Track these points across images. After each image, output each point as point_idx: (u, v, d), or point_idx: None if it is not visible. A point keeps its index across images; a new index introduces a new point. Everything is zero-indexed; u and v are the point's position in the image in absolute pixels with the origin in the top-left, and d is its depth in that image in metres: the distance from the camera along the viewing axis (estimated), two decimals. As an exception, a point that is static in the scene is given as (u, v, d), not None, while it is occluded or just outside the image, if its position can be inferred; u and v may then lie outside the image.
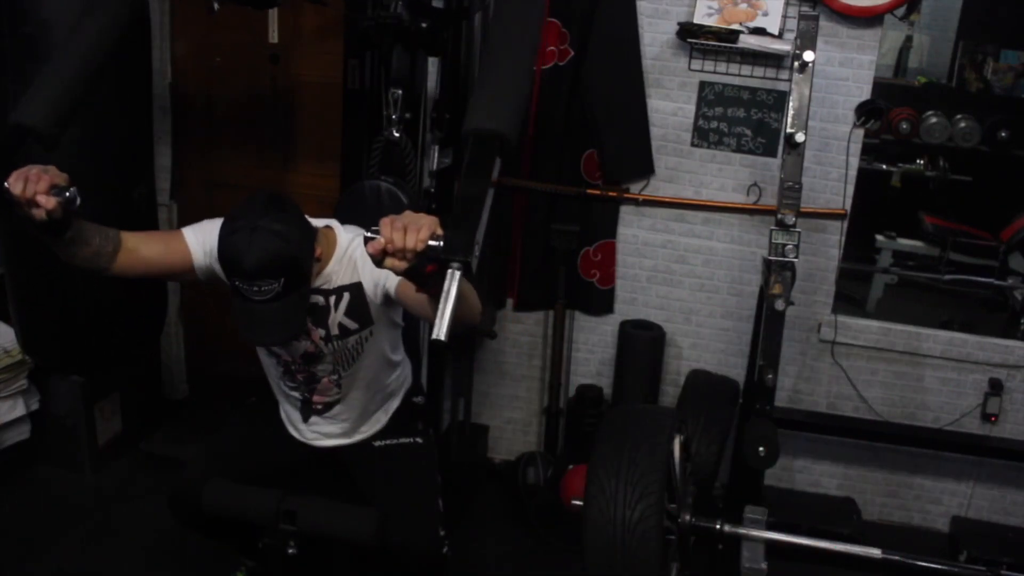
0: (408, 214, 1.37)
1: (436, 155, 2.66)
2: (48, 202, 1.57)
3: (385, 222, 1.35)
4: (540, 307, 3.28)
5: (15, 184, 1.56)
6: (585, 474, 2.07)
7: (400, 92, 2.37)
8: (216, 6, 2.10)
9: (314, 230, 1.87)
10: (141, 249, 1.88)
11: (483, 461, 3.42)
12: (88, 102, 1.81)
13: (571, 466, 2.99)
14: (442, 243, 1.33)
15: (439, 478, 2.17)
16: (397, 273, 1.37)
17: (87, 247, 1.78)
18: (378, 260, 1.36)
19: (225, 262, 1.76)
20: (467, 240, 1.32)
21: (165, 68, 3.33)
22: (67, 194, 1.59)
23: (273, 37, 3.22)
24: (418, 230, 1.33)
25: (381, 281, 1.89)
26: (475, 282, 1.39)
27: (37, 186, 1.56)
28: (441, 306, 1.27)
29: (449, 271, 1.30)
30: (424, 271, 1.37)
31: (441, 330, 1.27)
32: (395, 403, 2.21)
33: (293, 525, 1.97)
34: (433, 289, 1.36)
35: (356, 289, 1.95)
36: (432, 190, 2.67)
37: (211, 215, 1.97)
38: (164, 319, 2.92)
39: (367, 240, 1.36)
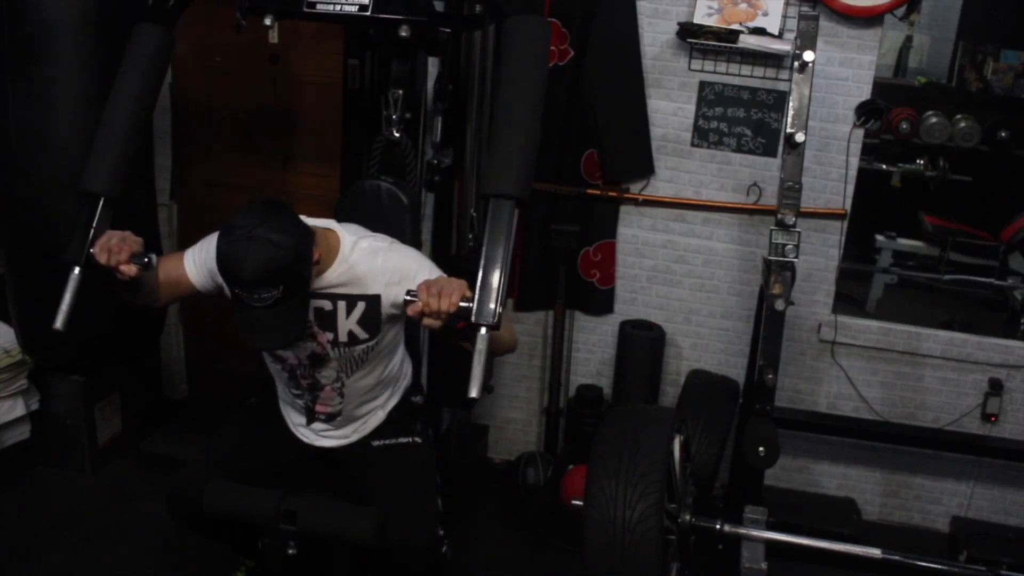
0: (442, 279, 1.70)
1: (439, 127, 2.67)
2: (130, 270, 1.78)
3: (421, 288, 1.65)
4: (540, 307, 3.28)
5: (100, 255, 1.78)
6: (585, 474, 2.07)
7: (400, 92, 2.36)
8: (243, 24, 2.14)
9: (312, 234, 1.86)
10: (163, 278, 2.00)
11: (483, 461, 3.42)
12: (140, 156, 2.07)
13: (571, 466, 2.99)
14: (471, 304, 1.62)
15: (438, 478, 2.17)
16: (432, 330, 1.68)
17: (146, 288, 1.94)
18: (416, 320, 1.68)
19: (224, 272, 1.77)
20: (493, 306, 1.61)
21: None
22: (145, 260, 1.80)
23: (273, 37, 3.22)
24: (450, 295, 1.63)
25: (400, 300, 1.90)
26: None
27: (120, 256, 1.77)
28: (473, 367, 1.55)
29: (479, 334, 1.59)
30: (456, 328, 1.66)
31: (474, 389, 1.55)
32: (394, 400, 2.21)
33: (293, 525, 1.97)
34: (464, 340, 1.66)
35: (373, 301, 1.96)
36: (436, 178, 2.67)
37: (211, 215, 1.98)
38: (164, 319, 2.92)
39: (407, 303, 1.67)
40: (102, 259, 1.78)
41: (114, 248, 1.77)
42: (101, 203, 1.90)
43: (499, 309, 1.61)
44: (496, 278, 1.64)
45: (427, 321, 1.64)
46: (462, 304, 1.62)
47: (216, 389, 3.58)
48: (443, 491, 2.15)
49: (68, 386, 3.04)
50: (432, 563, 2.03)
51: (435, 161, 2.67)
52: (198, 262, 1.99)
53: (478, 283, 1.64)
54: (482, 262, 1.66)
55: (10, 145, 2.39)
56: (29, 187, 2.41)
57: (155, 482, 3.02)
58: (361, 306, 1.96)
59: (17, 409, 2.95)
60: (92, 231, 1.86)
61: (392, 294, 1.92)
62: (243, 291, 1.73)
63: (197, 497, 2.00)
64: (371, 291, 1.95)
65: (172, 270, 2.01)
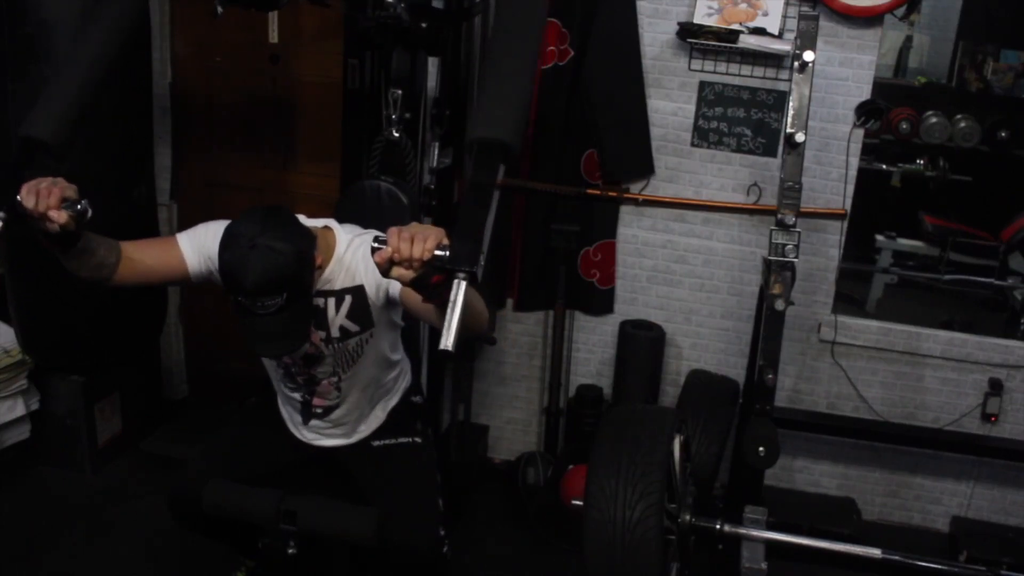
0: (415, 225, 1.40)
1: (436, 153, 2.66)
2: (60, 216, 1.58)
3: (392, 232, 1.38)
4: (540, 307, 3.28)
5: (27, 198, 1.58)
6: (585, 474, 2.07)
7: (400, 92, 2.36)
8: (220, 9, 2.09)
9: (314, 239, 1.86)
10: (137, 258, 1.88)
11: (483, 461, 3.42)
12: (94, 111, 1.82)
13: (571, 466, 2.99)
14: (448, 253, 1.35)
15: (438, 478, 2.17)
16: (403, 283, 1.40)
17: (92, 257, 1.79)
18: (385, 269, 1.39)
19: (227, 281, 1.75)
20: (473, 250, 1.35)
21: (165, 68, 3.33)
22: (78, 207, 1.61)
23: (273, 37, 3.22)
24: (424, 240, 1.36)
25: (384, 284, 1.89)
26: (479, 288, 1.41)
27: (49, 200, 1.57)
28: (448, 316, 1.30)
29: (455, 281, 1.33)
30: (430, 281, 1.40)
31: (448, 340, 1.30)
32: (393, 401, 2.21)
33: (293, 525, 1.97)
34: (439, 298, 1.39)
35: (358, 292, 1.95)
36: (432, 186, 2.67)
37: (211, 215, 1.96)
38: (164, 319, 2.92)
39: (374, 250, 1.39)
40: (29, 203, 1.57)
41: (43, 191, 1.58)
42: (40, 152, 1.72)
43: (481, 258, 1.35)
44: (478, 225, 1.39)
45: (397, 271, 1.38)
46: (437, 253, 1.35)
47: (216, 389, 3.58)
48: (443, 491, 2.15)
49: (68, 386, 3.04)
50: (433, 563, 2.03)
51: (431, 186, 2.66)
52: (195, 246, 1.93)
53: (457, 228, 1.39)
54: (462, 209, 1.45)
55: (10, 145, 2.39)
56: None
57: (155, 482, 3.02)
58: (348, 299, 1.95)
59: (17, 409, 2.95)
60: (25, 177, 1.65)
61: (374, 279, 1.88)
62: (247, 299, 1.73)
63: (197, 497, 2.00)
64: (355, 283, 1.94)
65: (161, 251, 1.93)
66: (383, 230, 2.05)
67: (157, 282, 2.02)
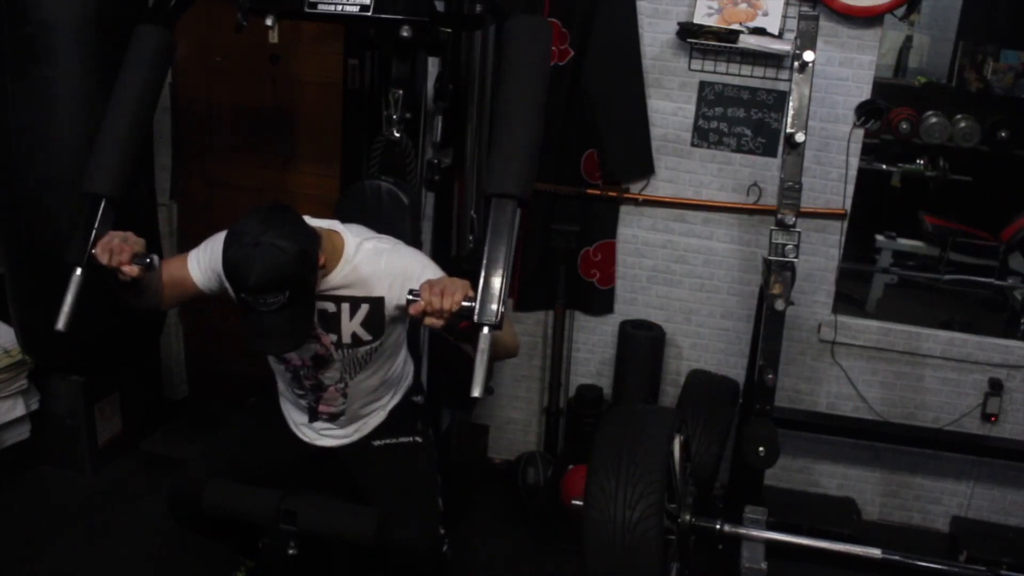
0: (444, 279, 1.68)
1: (439, 127, 2.66)
2: (132, 271, 1.78)
3: (424, 287, 1.63)
4: (540, 307, 3.28)
5: (102, 255, 1.78)
6: (585, 474, 2.07)
7: (400, 92, 2.36)
8: (244, 24, 2.14)
9: (318, 238, 1.86)
10: (164, 282, 2.00)
11: (483, 461, 3.42)
12: (143, 155, 2.07)
13: (571, 466, 2.99)
14: (474, 304, 1.60)
15: (438, 477, 2.17)
16: (434, 329, 1.65)
17: (149, 290, 1.94)
18: (418, 319, 1.65)
19: (230, 278, 1.77)
20: (496, 305, 1.60)
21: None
22: (147, 261, 1.80)
23: (273, 37, 3.21)
24: (453, 294, 1.61)
25: (403, 301, 1.90)
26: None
27: (121, 257, 1.77)
28: (476, 366, 1.54)
29: (482, 334, 1.58)
30: (459, 327, 1.65)
31: (477, 388, 1.54)
32: (396, 400, 2.21)
33: (293, 525, 1.97)
34: (467, 341, 1.64)
35: (377, 303, 1.96)
36: (436, 161, 2.68)
37: (211, 215, 1.98)
38: (164, 319, 2.92)
39: (409, 302, 1.64)
40: (104, 259, 1.78)
41: (116, 248, 1.77)
42: (103, 204, 1.89)
43: (501, 308, 1.60)
44: (499, 278, 1.63)
45: (429, 320, 1.62)
46: (464, 304, 1.61)
47: (216, 389, 3.58)
48: (443, 490, 2.15)
49: (68, 386, 3.04)
50: (432, 562, 2.03)
51: (435, 160, 2.67)
52: (202, 264, 2.00)
53: (480, 283, 1.63)
54: (484, 261, 1.65)
55: (10, 145, 2.39)
56: (29, 187, 2.41)
57: (155, 482, 3.02)
58: (365, 308, 1.96)
59: (17, 409, 2.95)
60: (94, 232, 1.86)
61: (396, 295, 1.92)
62: (249, 297, 1.74)
63: (197, 497, 2.00)
64: (375, 293, 1.95)
65: (176, 272, 2.01)
66: (383, 231, 2.08)
67: (185, 299, 2.12)
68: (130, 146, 1.95)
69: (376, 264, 1.94)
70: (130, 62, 1.99)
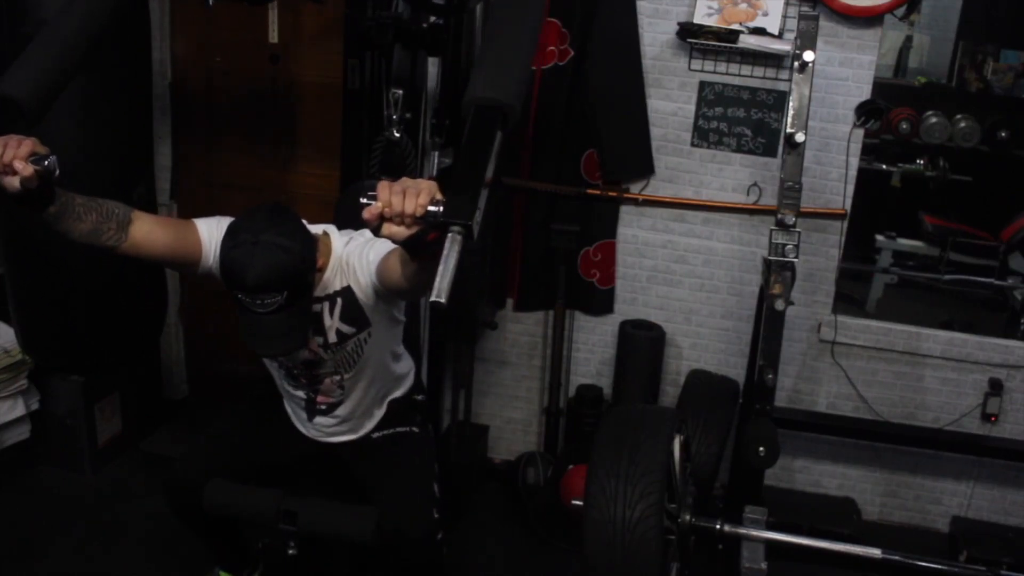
0: (406, 179, 1.32)
1: (436, 160, 2.66)
2: (25, 168, 1.51)
3: (383, 186, 1.30)
4: (540, 307, 3.28)
5: None
6: (585, 474, 2.07)
7: (400, 92, 2.36)
8: (211, 2, 2.07)
9: (316, 240, 1.86)
10: (154, 232, 1.82)
11: (483, 461, 3.42)
12: (70, 80, 1.76)
13: (571, 466, 2.99)
14: (442, 208, 1.27)
15: (436, 466, 2.17)
16: (395, 241, 1.33)
17: (81, 223, 1.72)
18: (375, 227, 1.31)
19: (227, 276, 1.75)
20: (469, 204, 1.25)
21: (165, 68, 3.33)
22: (45, 163, 1.55)
23: (273, 37, 3.21)
24: (417, 194, 1.28)
25: (366, 274, 1.87)
26: (478, 269, 1.36)
27: (17, 151, 1.52)
28: (440, 267, 1.21)
29: (450, 235, 1.24)
30: (426, 239, 1.32)
31: (441, 291, 1.20)
32: (396, 395, 2.22)
33: (293, 525, 1.98)
34: (431, 257, 1.29)
35: (347, 293, 1.94)
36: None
37: (211, 215, 1.96)
38: (164, 319, 2.92)
39: (363, 205, 1.30)
40: None
41: (10, 143, 1.52)
42: (11, 111, 1.63)
43: (478, 214, 1.26)
44: (473, 180, 1.29)
45: (387, 228, 1.29)
46: (431, 208, 1.27)
47: (216, 389, 3.58)
48: (440, 479, 2.15)
49: (68, 386, 3.04)
50: (427, 547, 2.02)
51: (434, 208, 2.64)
52: (212, 235, 1.88)
53: (452, 181, 1.30)
54: (457, 165, 1.37)
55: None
56: (29, 187, 2.41)
57: (155, 482, 3.00)
58: (339, 301, 1.95)
59: (17, 409, 2.95)
60: None
61: (358, 276, 1.88)
62: (247, 296, 1.73)
63: (195, 488, 2.00)
64: (343, 283, 1.93)
65: (180, 232, 1.88)
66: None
67: (168, 261, 1.95)
68: (60, 62, 1.71)
69: (349, 256, 1.93)
70: None
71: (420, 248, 1.37)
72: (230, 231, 1.76)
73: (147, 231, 1.81)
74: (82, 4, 1.78)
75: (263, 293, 1.72)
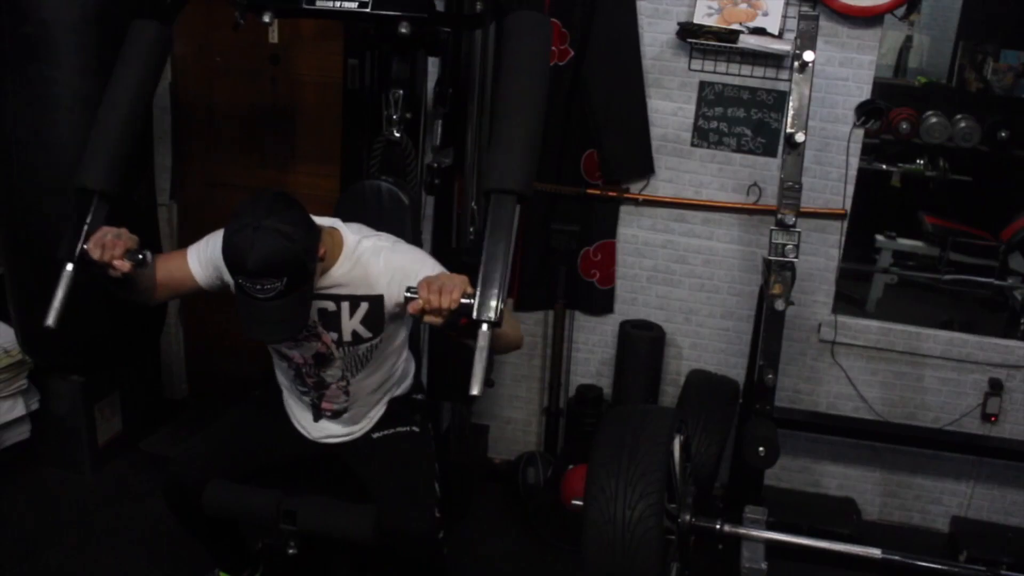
0: (442, 276, 1.67)
1: (439, 131, 2.66)
2: (124, 266, 1.78)
3: (422, 284, 1.63)
4: (540, 307, 3.28)
5: (94, 251, 1.78)
6: (585, 474, 2.07)
7: (400, 92, 2.36)
8: (241, 22, 2.14)
9: (318, 229, 1.87)
10: (157, 275, 1.98)
11: (483, 461, 3.42)
12: (137, 151, 2.02)
13: (571, 466, 2.99)
14: (473, 300, 1.59)
15: (436, 465, 2.18)
16: (435, 327, 1.64)
17: (139, 286, 1.93)
18: (418, 317, 1.65)
19: (229, 260, 1.76)
20: (495, 302, 1.58)
21: (165, 68, 3.32)
22: (140, 257, 1.80)
23: (273, 37, 3.22)
24: (451, 291, 1.60)
25: (402, 300, 1.90)
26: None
27: (114, 252, 1.77)
28: (475, 364, 1.52)
29: (481, 331, 1.56)
30: (459, 324, 1.63)
31: (476, 386, 1.52)
32: (396, 395, 2.23)
33: (293, 525, 1.97)
34: (468, 338, 1.61)
35: (376, 301, 1.96)
36: (436, 165, 2.69)
37: (211, 215, 1.98)
38: (164, 319, 2.92)
39: (407, 300, 1.64)
40: (95, 255, 1.77)
41: (108, 244, 1.77)
42: (96, 199, 1.88)
43: (501, 305, 1.58)
44: (498, 274, 1.61)
45: (428, 318, 1.62)
46: (463, 300, 1.60)
47: (216, 389, 3.58)
48: (441, 478, 2.15)
49: (68, 386, 3.04)
50: (429, 546, 2.02)
51: (435, 164, 2.67)
52: (203, 260, 1.99)
53: (479, 279, 1.61)
54: (483, 258, 1.63)
55: (10, 145, 2.39)
56: (29, 187, 2.41)
57: (155, 482, 3.00)
58: (364, 306, 1.97)
59: (17, 409, 2.95)
60: (86, 227, 1.84)
61: (395, 293, 1.92)
62: (247, 281, 1.74)
63: (194, 487, 2.00)
64: (375, 291, 1.95)
65: (175, 269, 2.00)
66: (384, 230, 2.08)
67: (179, 295, 2.14)
68: (124, 141, 1.93)
69: (375, 262, 1.95)
70: (126, 57, 1.98)
71: (455, 332, 1.68)
72: (233, 217, 1.78)
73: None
74: (131, 74, 1.97)
75: (263, 278, 1.72)
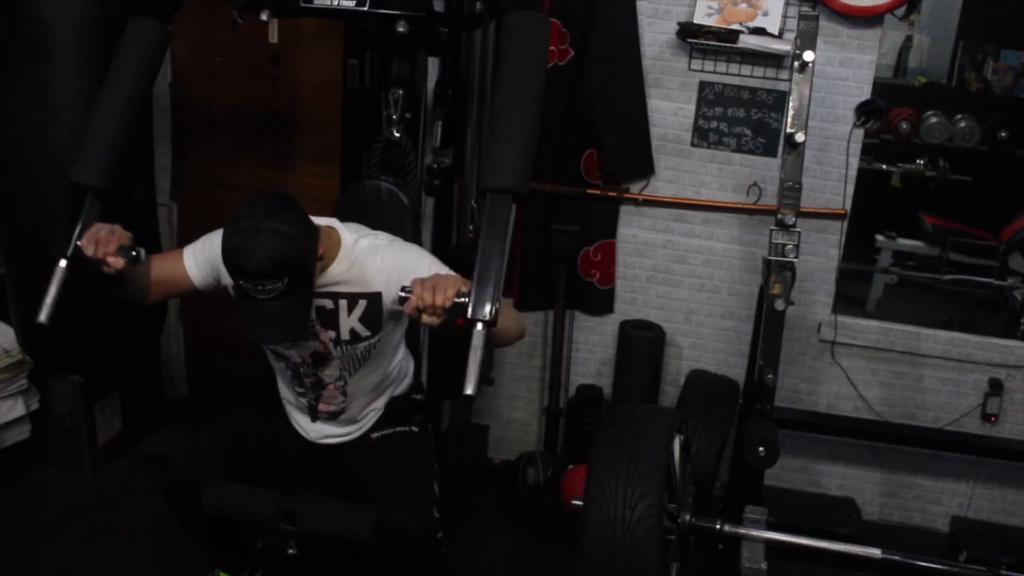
0: (436, 275, 1.68)
1: (439, 132, 2.66)
2: (117, 263, 1.78)
3: (416, 283, 1.62)
4: (540, 307, 3.28)
5: (87, 247, 1.78)
6: (585, 474, 2.07)
7: (400, 92, 2.36)
8: (239, 21, 2.13)
9: (317, 229, 1.88)
10: (152, 275, 1.98)
11: (483, 461, 3.42)
12: (133, 148, 2.01)
13: (571, 466, 2.99)
14: (468, 299, 1.57)
15: (435, 465, 2.18)
16: (431, 327, 1.63)
17: (134, 284, 1.93)
18: (415, 317, 1.64)
19: (229, 262, 1.76)
20: (490, 301, 1.57)
21: (165, 68, 3.33)
22: (133, 253, 1.80)
23: (273, 37, 3.22)
24: (445, 290, 1.60)
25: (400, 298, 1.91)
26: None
27: (107, 248, 1.77)
28: (469, 364, 1.51)
29: (475, 330, 1.55)
30: (455, 324, 1.62)
31: (470, 386, 1.51)
32: (395, 394, 2.22)
33: (293, 525, 1.97)
34: (464, 337, 1.58)
35: (375, 299, 1.96)
36: (435, 166, 2.68)
37: (211, 215, 1.98)
38: (164, 319, 2.92)
39: (402, 299, 1.64)
40: (89, 251, 1.77)
41: (102, 240, 1.77)
42: (89, 195, 1.87)
43: (496, 306, 1.57)
44: (492, 273, 1.60)
45: (425, 318, 1.61)
46: (458, 300, 1.59)
47: (216, 389, 3.58)
48: (440, 478, 2.15)
49: (68, 386, 3.04)
50: (428, 546, 2.02)
51: (435, 165, 2.67)
52: (199, 260, 1.99)
53: (474, 279, 1.60)
54: (479, 257, 1.62)
55: (10, 145, 2.39)
56: (29, 187, 2.41)
57: (155, 482, 3.00)
58: (362, 304, 1.97)
59: (17, 409, 2.95)
60: (80, 224, 1.83)
61: (393, 290, 1.90)
62: (247, 282, 1.74)
63: (194, 487, 2.00)
64: (372, 289, 1.95)
65: (170, 268, 2.00)
66: (384, 230, 2.08)
67: (173, 295, 2.14)
68: (119, 138, 1.92)
69: (373, 259, 1.95)
70: (122, 54, 1.97)
71: (452, 332, 1.66)
72: (233, 218, 1.78)
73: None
74: (127, 71, 1.96)
75: (264, 279, 1.73)
